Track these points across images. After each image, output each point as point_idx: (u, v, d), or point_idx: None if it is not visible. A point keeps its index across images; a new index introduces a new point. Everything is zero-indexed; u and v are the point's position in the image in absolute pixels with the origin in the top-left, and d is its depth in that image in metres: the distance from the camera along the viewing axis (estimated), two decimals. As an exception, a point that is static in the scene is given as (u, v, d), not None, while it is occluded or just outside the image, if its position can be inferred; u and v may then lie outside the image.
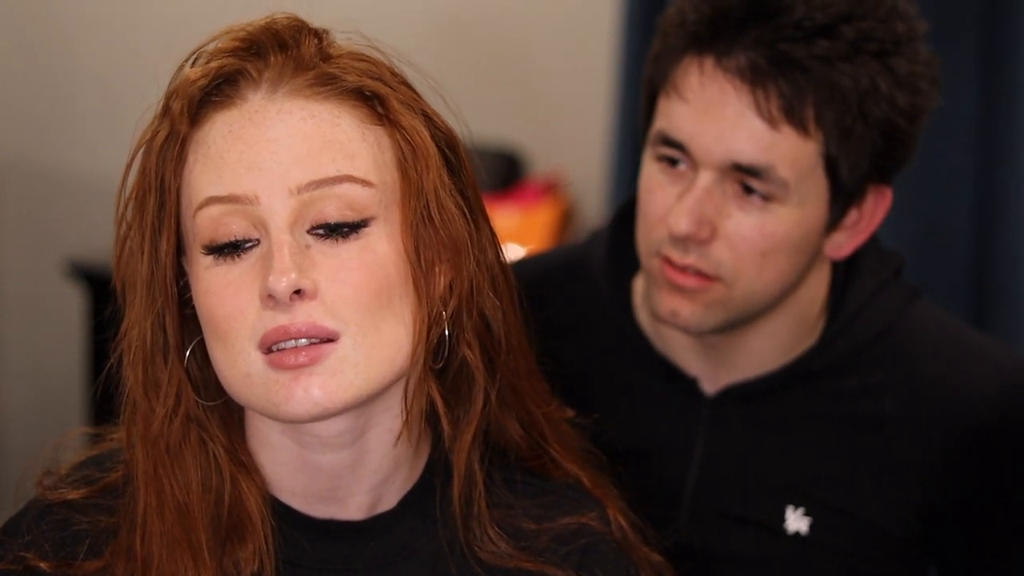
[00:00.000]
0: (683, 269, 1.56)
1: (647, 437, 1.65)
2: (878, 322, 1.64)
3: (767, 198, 1.53)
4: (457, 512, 1.30)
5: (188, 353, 1.25)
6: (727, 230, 1.54)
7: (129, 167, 1.25)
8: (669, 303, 1.58)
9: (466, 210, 1.27)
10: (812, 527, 1.62)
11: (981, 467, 1.61)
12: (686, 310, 1.57)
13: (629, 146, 2.70)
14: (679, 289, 1.57)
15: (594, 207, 3.29)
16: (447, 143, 1.28)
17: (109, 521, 1.26)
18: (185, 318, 1.25)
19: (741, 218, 1.54)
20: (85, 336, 3.48)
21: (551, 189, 3.37)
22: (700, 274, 1.56)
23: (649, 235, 1.59)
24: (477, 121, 4.07)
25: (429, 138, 1.25)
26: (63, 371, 3.72)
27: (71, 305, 3.60)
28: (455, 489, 1.29)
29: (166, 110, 1.24)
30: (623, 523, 1.37)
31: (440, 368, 1.28)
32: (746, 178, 1.53)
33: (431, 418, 1.30)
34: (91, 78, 3.68)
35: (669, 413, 1.66)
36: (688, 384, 1.66)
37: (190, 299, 1.25)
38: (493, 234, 1.30)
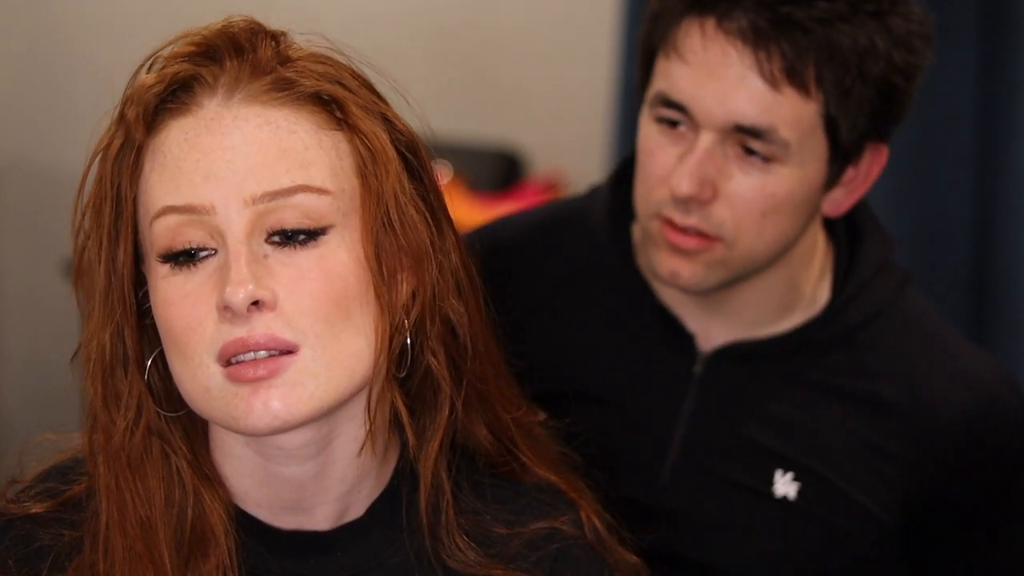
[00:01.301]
0: (684, 230, 1.56)
1: (639, 386, 1.66)
2: (878, 301, 1.65)
3: (768, 159, 1.54)
4: (424, 522, 1.27)
5: (150, 364, 1.23)
6: (728, 191, 1.55)
7: (86, 176, 1.23)
8: (669, 264, 1.58)
9: (428, 215, 1.24)
10: (800, 492, 1.62)
11: (965, 476, 1.62)
12: (687, 271, 1.57)
13: (629, 146, 2.69)
14: (680, 250, 1.57)
15: (594, 207, 3.29)
16: (408, 147, 1.25)
17: (72, 535, 1.24)
18: (146, 328, 1.23)
19: (742, 179, 1.54)
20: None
21: (551, 189, 3.37)
22: (701, 234, 1.56)
23: (649, 196, 1.59)
24: (477, 122, 4.07)
25: (389, 142, 1.23)
26: (63, 371, 3.71)
27: (71, 305, 3.60)
28: (421, 499, 1.27)
29: (121, 117, 1.21)
30: (598, 525, 1.35)
31: (405, 375, 1.25)
32: (747, 139, 1.54)
33: (398, 425, 1.27)
34: (91, 78, 3.68)
35: (663, 364, 1.66)
36: (685, 339, 1.66)
37: (150, 309, 1.22)
38: (457, 237, 1.28)
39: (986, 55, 2.69)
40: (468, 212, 3.31)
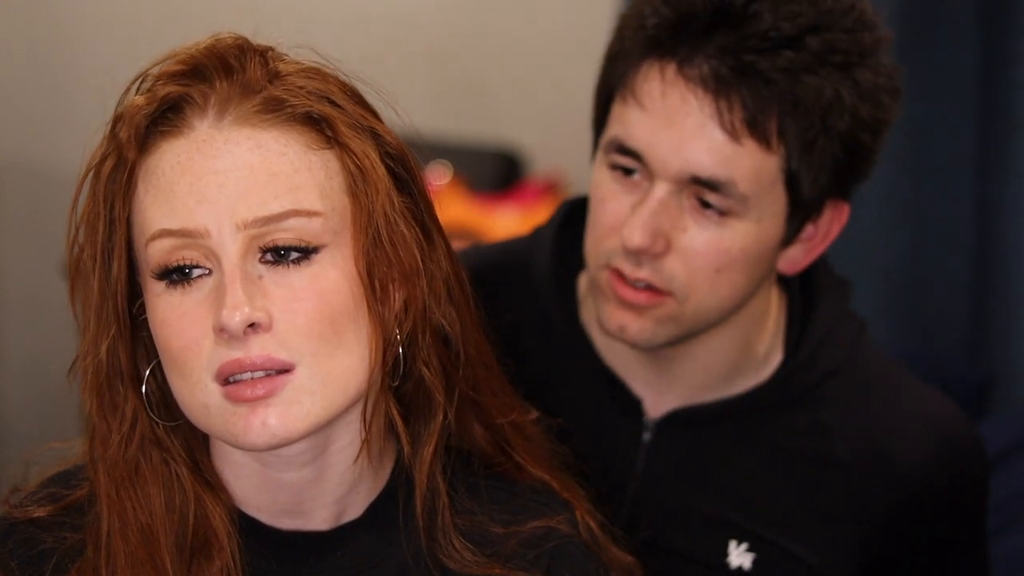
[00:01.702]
0: (634, 283, 1.50)
1: (590, 446, 1.55)
2: (835, 358, 1.60)
3: (724, 213, 1.48)
4: (421, 524, 1.29)
5: (148, 374, 1.24)
6: (682, 244, 1.49)
7: (79, 190, 1.24)
8: (618, 318, 1.52)
9: (418, 228, 1.26)
10: (755, 563, 1.57)
11: (923, 519, 1.60)
12: (635, 325, 1.52)
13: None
14: (629, 304, 1.51)
15: (594, 207, 3.28)
16: (397, 159, 1.26)
17: (75, 538, 1.26)
18: (143, 339, 1.24)
19: (697, 232, 1.49)
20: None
21: (551, 189, 3.37)
22: (651, 289, 1.50)
23: (599, 246, 1.52)
24: (477, 122, 4.07)
25: (378, 160, 1.24)
26: (63, 371, 3.71)
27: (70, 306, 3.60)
28: (417, 503, 1.29)
29: (113, 136, 1.22)
30: (592, 524, 1.37)
31: (398, 384, 1.27)
32: (704, 192, 1.48)
33: (394, 429, 1.29)
34: (91, 78, 3.68)
35: (611, 429, 1.60)
36: (632, 404, 1.60)
37: (147, 321, 1.23)
38: (447, 245, 1.29)
39: (987, 56, 2.69)
40: (468, 212, 3.31)
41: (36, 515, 1.26)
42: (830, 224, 1.57)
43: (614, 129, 1.52)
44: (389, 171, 1.25)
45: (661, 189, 1.48)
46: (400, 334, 1.24)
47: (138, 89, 1.24)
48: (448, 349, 1.29)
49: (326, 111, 1.22)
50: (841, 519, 1.58)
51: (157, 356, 1.24)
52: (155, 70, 1.23)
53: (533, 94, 3.53)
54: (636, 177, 1.50)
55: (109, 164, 1.22)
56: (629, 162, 1.50)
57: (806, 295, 1.63)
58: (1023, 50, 2.64)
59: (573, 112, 3.61)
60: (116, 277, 1.22)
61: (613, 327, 1.53)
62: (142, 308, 1.24)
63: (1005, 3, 2.67)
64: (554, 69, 3.49)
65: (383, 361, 1.23)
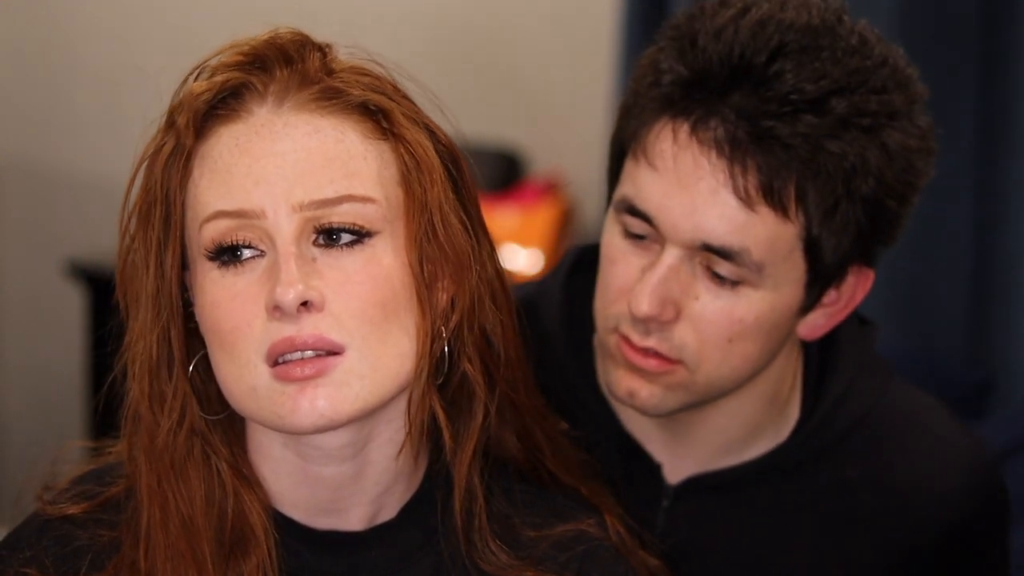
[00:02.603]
0: (643, 350, 1.44)
1: None
2: (855, 413, 1.53)
3: (738, 282, 1.41)
4: (459, 525, 1.30)
5: (191, 368, 1.25)
6: (693, 312, 1.42)
7: (133, 180, 1.25)
8: (626, 383, 1.46)
9: (468, 225, 1.27)
10: None
11: (953, 558, 1.56)
12: (645, 391, 1.45)
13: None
14: (638, 370, 1.44)
15: (594, 207, 3.29)
16: (450, 157, 1.28)
17: (110, 536, 1.26)
18: (188, 332, 1.26)
19: (709, 301, 1.41)
20: (85, 336, 3.48)
21: (551, 189, 3.37)
22: (661, 356, 1.44)
23: (607, 309, 1.46)
24: (477, 122, 4.07)
25: (433, 152, 1.25)
26: (63, 371, 3.72)
27: (71, 305, 3.61)
28: (456, 503, 1.30)
29: (171, 123, 1.24)
30: (620, 529, 1.38)
31: (440, 382, 1.28)
32: (716, 260, 1.40)
33: (429, 430, 1.30)
34: (91, 78, 3.68)
35: (631, 491, 1.49)
36: (652, 469, 1.53)
37: (192, 314, 1.25)
38: (493, 248, 1.31)
39: (987, 56, 2.69)
40: (468, 212, 3.31)
41: (70, 512, 1.27)
42: (854, 289, 1.49)
43: (625, 188, 1.44)
44: (443, 166, 1.26)
45: (672, 255, 1.41)
46: (446, 328, 1.25)
47: (196, 79, 1.25)
48: (490, 349, 1.30)
49: (383, 102, 1.24)
50: (866, 570, 1.53)
51: (200, 351, 1.25)
52: (213, 61, 1.25)
53: (533, 94, 3.53)
54: (647, 239, 1.43)
55: (166, 150, 1.23)
56: (639, 225, 1.43)
57: (825, 348, 1.55)
58: (1023, 50, 2.65)
59: (573, 112, 3.62)
60: (170, 264, 1.23)
61: (622, 393, 1.46)
62: (188, 303, 1.25)
63: (1005, 3, 2.67)
64: (554, 69, 3.49)
65: (430, 352, 1.23)
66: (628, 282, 1.44)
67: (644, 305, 1.41)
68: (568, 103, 3.50)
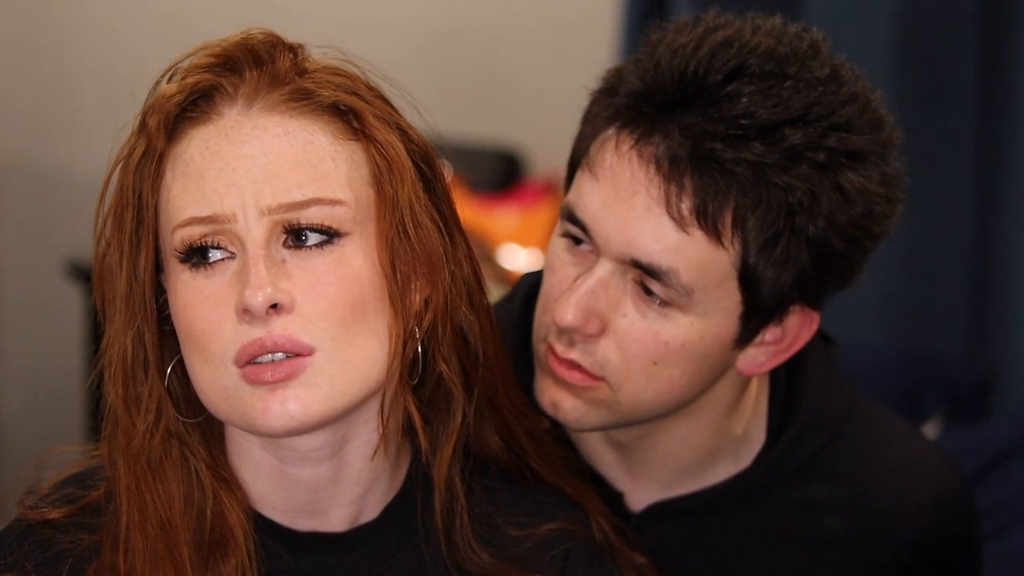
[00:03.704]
0: (567, 362, 1.41)
1: None
2: (821, 440, 1.50)
3: (666, 303, 1.38)
4: (439, 526, 1.30)
5: (169, 371, 1.25)
6: (619, 328, 1.38)
7: (107, 184, 1.25)
8: (551, 395, 1.43)
9: (441, 225, 1.27)
10: None
11: (920, 565, 1.53)
12: (568, 404, 1.42)
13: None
14: (563, 382, 1.42)
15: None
16: (422, 157, 1.27)
17: (91, 539, 1.26)
18: (164, 335, 1.26)
19: (636, 319, 1.38)
20: (85, 336, 3.48)
21: (551, 189, 3.37)
22: (583, 370, 1.41)
23: (541, 316, 1.44)
24: (478, 122, 4.07)
25: (404, 152, 1.25)
26: (63, 371, 3.72)
27: (71, 305, 3.61)
28: (436, 504, 1.30)
29: (143, 126, 1.24)
30: (605, 526, 1.38)
31: (418, 383, 1.28)
32: (645, 278, 1.37)
33: (411, 430, 1.29)
34: (91, 78, 3.69)
35: None
36: (614, 498, 1.50)
37: (169, 316, 1.25)
38: (468, 248, 1.30)
39: (987, 56, 2.69)
40: (468, 212, 3.32)
41: (52, 516, 1.27)
42: (799, 329, 1.44)
43: (570, 195, 1.42)
44: (414, 166, 1.26)
45: (603, 267, 1.38)
46: (420, 328, 1.25)
47: (168, 81, 1.25)
48: (467, 349, 1.29)
49: (354, 103, 1.24)
50: None
51: (177, 353, 1.25)
52: (186, 63, 1.25)
53: (533, 94, 3.53)
54: (584, 248, 1.41)
55: (138, 153, 1.23)
56: (578, 231, 1.40)
57: (791, 371, 1.52)
58: (1023, 50, 2.65)
59: (573, 112, 3.62)
60: (143, 267, 1.23)
61: (546, 403, 1.43)
62: (164, 305, 1.25)
63: (1005, 3, 2.67)
64: (554, 69, 3.49)
65: (402, 353, 1.23)
66: (562, 290, 1.41)
67: (568, 315, 1.38)
68: (568, 103, 3.50)
